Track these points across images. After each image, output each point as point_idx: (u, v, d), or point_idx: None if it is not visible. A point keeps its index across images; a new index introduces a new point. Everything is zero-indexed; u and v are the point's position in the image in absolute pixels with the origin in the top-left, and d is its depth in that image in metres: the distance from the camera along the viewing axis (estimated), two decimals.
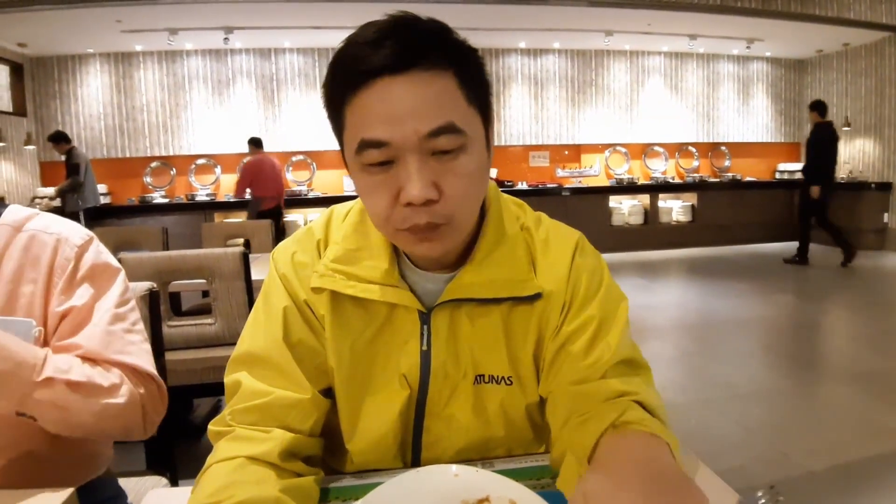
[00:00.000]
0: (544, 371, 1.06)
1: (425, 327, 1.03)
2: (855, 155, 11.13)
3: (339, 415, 1.07)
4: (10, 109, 9.42)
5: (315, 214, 10.04)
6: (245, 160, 8.67)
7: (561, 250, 1.08)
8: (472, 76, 0.92)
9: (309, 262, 1.06)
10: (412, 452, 1.10)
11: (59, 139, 8.44)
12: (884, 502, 2.81)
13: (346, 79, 0.88)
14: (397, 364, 1.04)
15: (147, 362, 1.26)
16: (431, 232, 0.91)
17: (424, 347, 1.04)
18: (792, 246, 9.98)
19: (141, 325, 1.32)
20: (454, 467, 0.96)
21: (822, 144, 8.66)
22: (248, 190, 8.34)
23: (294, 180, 10.85)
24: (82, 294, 1.23)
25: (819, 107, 8.79)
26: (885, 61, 10.36)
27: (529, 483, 0.94)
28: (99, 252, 1.30)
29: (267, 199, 8.05)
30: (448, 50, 0.89)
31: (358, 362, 1.05)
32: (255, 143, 8.39)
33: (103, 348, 1.20)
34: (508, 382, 1.06)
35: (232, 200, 9.75)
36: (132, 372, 1.23)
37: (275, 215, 7.78)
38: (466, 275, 1.02)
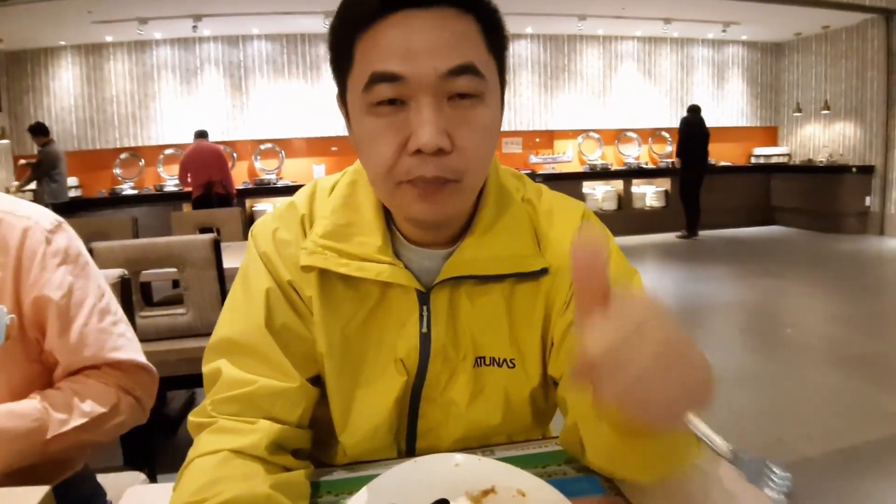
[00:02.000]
0: (554, 350, 0.99)
1: (425, 308, 0.96)
2: (835, 138, 11.21)
3: (330, 404, 0.99)
4: None
5: None
6: None
7: (567, 222, 1.01)
8: (494, 29, 0.87)
9: (292, 239, 0.98)
10: (407, 441, 1.03)
11: (38, 132, 8.36)
12: (883, 486, 2.80)
13: (360, 11, 0.81)
14: (393, 348, 0.97)
15: (138, 352, 1.28)
16: (438, 188, 0.84)
17: (424, 329, 0.96)
18: (768, 230, 10.08)
19: (121, 311, 1.29)
20: (456, 456, 0.91)
21: (682, 135, 10.11)
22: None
23: (262, 168, 10.78)
24: (59, 283, 1.17)
25: (690, 108, 10.30)
26: (867, 44, 10.40)
27: (535, 471, 0.89)
28: (70, 237, 1.24)
29: (194, 188, 8.07)
30: None
31: (350, 347, 0.97)
32: (196, 135, 8.39)
33: (99, 349, 1.20)
34: (511, 365, 0.99)
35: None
36: (126, 370, 1.25)
37: (205, 204, 7.77)
38: (467, 250, 0.95)
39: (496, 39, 0.87)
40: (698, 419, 0.58)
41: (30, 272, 1.15)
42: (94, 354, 1.20)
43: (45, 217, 1.21)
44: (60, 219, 1.24)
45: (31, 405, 1.11)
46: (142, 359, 1.27)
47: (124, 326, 1.27)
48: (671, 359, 0.53)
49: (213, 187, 8.02)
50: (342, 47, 0.85)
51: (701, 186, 10.08)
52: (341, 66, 0.87)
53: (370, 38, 0.81)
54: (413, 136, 0.80)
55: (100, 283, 1.27)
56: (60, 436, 1.11)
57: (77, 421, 1.13)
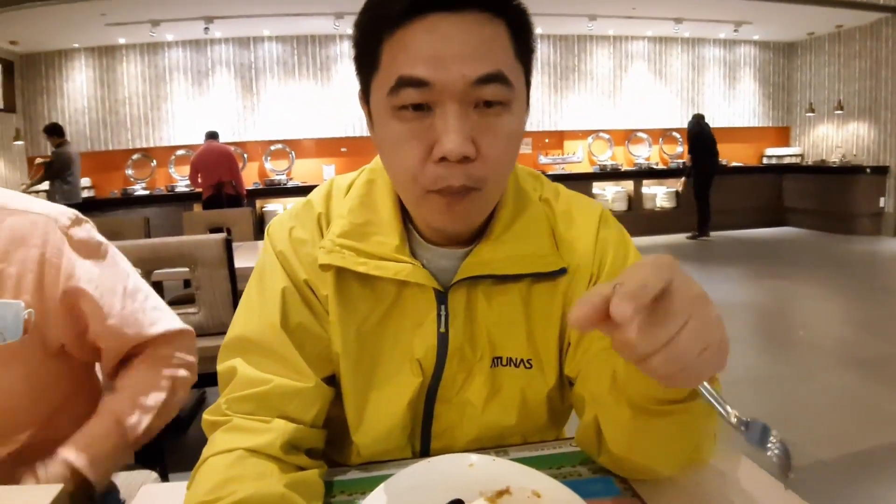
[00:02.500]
0: (570, 350, 0.99)
1: (443, 307, 0.95)
2: (848, 139, 11.13)
3: (345, 404, 0.98)
4: (1, 106, 9.41)
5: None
6: None
7: (585, 223, 1.01)
8: (523, 32, 0.85)
9: (309, 238, 0.97)
10: (421, 442, 1.02)
11: (53, 132, 8.32)
12: (895, 491, 2.77)
13: (389, 11, 0.80)
14: (409, 348, 0.96)
15: (174, 318, 1.33)
16: (462, 198, 0.83)
17: (442, 329, 0.96)
18: (780, 231, 10.03)
19: (146, 284, 1.34)
20: (471, 456, 0.90)
21: (694, 134, 10.08)
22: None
23: (273, 169, 10.78)
24: (89, 276, 1.18)
25: (697, 116, 10.33)
26: (881, 43, 10.32)
27: (549, 472, 0.88)
28: (88, 229, 1.24)
29: (205, 188, 8.10)
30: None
31: (365, 347, 0.97)
32: (207, 136, 8.42)
33: (140, 328, 1.25)
34: (528, 365, 0.99)
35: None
36: (169, 339, 1.30)
37: (216, 203, 7.80)
38: (485, 250, 0.94)
39: (525, 43, 0.86)
40: (709, 386, 0.62)
41: (57, 269, 1.14)
42: (138, 333, 1.24)
43: (63, 213, 1.20)
44: (76, 212, 1.24)
45: (105, 424, 1.19)
46: (178, 325, 1.32)
47: (154, 299, 1.32)
48: (699, 316, 0.57)
49: (224, 188, 8.05)
50: (368, 46, 0.84)
51: (710, 187, 10.05)
52: (366, 65, 0.86)
53: (398, 41, 0.80)
54: (438, 143, 0.80)
55: (123, 265, 1.29)
56: (140, 436, 1.21)
57: (148, 418, 1.22)
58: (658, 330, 0.55)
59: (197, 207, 9.02)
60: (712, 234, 10.30)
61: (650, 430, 0.77)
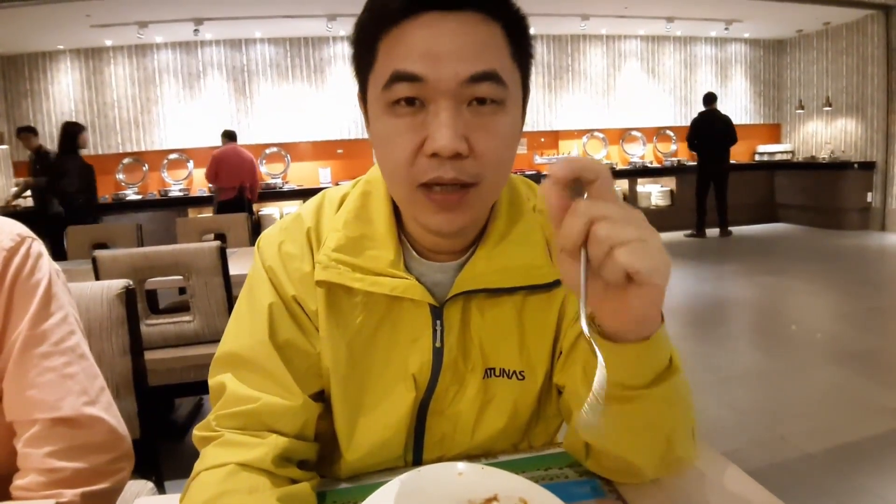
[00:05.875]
0: (562, 359, 0.99)
1: (438, 322, 0.95)
2: (836, 135, 11.20)
3: (335, 420, 0.98)
4: None
5: (291, 208, 10.05)
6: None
7: None
8: (520, 37, 0.86)
9: (298, 253, 0.97)
10: (413, 454, 1.02)
11: (31, 131, 8.12)
12: (885, 482, 2.79)
13: (386, 9, 0.81)
14: (404, 363, 0.96)
15: (89, 400, 1.03)
16: (457, 199, 0.83)
17: (438, 344, 0.95)
18: (773, 227, 10.03)
19: (83, 344, 1.10)
20: (458, 465, 0.90)
21: (697, 129, 9.94)
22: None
23: (268, 173, 10.71)
24: (17, 315, 1.02)
25: (706, 98, 10.04)
26: (868, 39, 10.38)
27: (536, 473, 0.90)
28: (27, 256, 1.05)
29: (225, 189, 8.05)
30: (500, 2, 0.83)
31: (357, 362, 0.96)
32: (225, 136, 8.41)
33: (42, 405, 0.99)
34: (520, 377, 0.99)
35: (205, 195, 9.76)
36: (71, 426, 1.00)
37: (235, 207, 7.76)
38: (479, 262, 0.94)
39: (521, 47, 0.86)
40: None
41: None
42: (39, 413, 0.99)
43: (7, 233, 1.05)
44: (26, 234, 1.08)
45: None
46: (90, 410, 1.03)
47: (58, 361, 1.03)
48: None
49: (245, 191, 8.04)
50: (366, 44, 0.85)
51: (708, 187, 10.02)
52: (363, 62, 0.87)
53: (394, 37, 0.81)
54: (430, 138, 0.80)
55: (60, 314, 1.07)
56: None
57: None
58: (629, 227, 0.61)
59: (192, 212, 9.00)
60: (708, 231, 10.29)
61: (618, 417, 0.77)
